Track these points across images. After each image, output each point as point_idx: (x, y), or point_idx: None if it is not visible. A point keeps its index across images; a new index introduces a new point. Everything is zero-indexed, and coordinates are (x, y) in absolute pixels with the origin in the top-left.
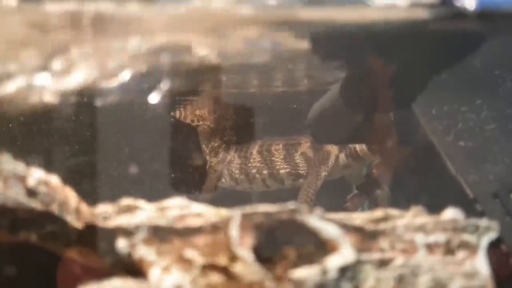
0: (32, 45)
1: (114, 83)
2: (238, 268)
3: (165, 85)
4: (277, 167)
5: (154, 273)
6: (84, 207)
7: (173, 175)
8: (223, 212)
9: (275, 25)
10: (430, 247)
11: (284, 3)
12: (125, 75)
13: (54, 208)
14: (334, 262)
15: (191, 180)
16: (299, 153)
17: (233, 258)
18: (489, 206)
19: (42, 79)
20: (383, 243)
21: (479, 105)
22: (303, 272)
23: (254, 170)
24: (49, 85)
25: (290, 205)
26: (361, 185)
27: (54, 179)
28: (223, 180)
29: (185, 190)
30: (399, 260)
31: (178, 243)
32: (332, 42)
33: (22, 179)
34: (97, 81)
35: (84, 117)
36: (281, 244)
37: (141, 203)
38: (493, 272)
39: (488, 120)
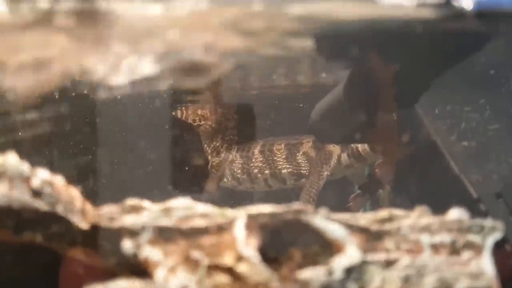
0: None
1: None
2: (244, 269)
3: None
4: (279, 167)
5: (160, 273)
6: (89, 207)
7: (175, 175)
8: (229, 212)
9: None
10: (435, 247)
11: None
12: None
13: (59, 209)
14: (340, 262)
15: (193, 180)
16: (301, 152)
17: (239, 258)
18: (493, 205)
19: None
20: (389, 243)
21: (482, 105)
22: (309, 273)
23: (256, 170)
24: None
25: (296, 205)
26: (364, 185)
27: (59, 180)
28: (225, 180)
29: (187, 190)
30: (405, 260)
31: (183, 243)
32: (337, 42)
33: (27, 179)
34: None
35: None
36: (286, 244)
37: (146, 203)
38: (497, 272)
39: (492, 119)
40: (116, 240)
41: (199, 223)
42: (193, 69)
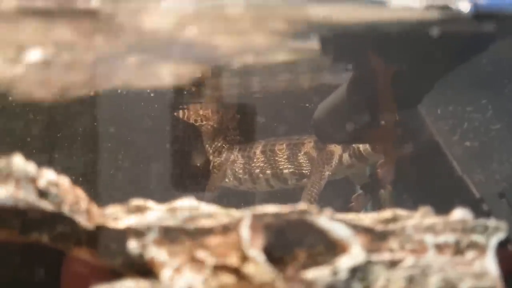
0: None
1: None
2: (249, 269)
3: None
4: (281, 167)
5: (166, 273)
6: (94, 208)
7: (176, 175)
8: (234, 212)
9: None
10: (439, 248)
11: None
12: None
13: (65, 209)
14: (344, 262)
15: (194, 180)
16: (302, 153)
17: (244, 258)
18: (496, 205)
19: None
20: (393, 243)
21: (484, 105)
22: (314, 273)
23: (257, 170)
24: None
25: (300, 205)
26: (366, 184)
27: (65, 180)
28: (227, 180)
29: (188, 190)
30: (409, 260)
31: (189, 243)
32: (343, 43)
33: (33, 180)
34: None
35: None
36: (291, 244)
37: (151, 203)
38: (501, 271)
39: (494, 119)
40: (121, 241)
41: (204, 223)
42: None
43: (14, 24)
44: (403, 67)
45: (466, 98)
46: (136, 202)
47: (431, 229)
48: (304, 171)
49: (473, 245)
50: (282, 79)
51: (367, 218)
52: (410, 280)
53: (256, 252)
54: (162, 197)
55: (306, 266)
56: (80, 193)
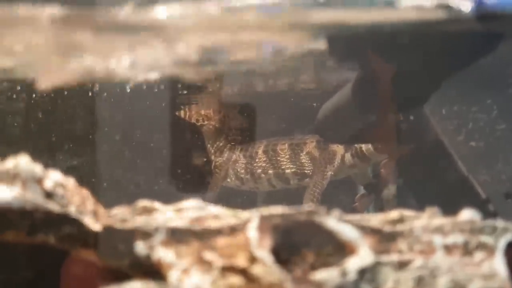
0: None
1: None
2: (257, 270)
3: None
4: (283, 167)
5: (173, 275)
6: (101, 209)
7: (178, 175)
8: (241, 213)
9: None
10: (448, 249)
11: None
12: None
13: (72, 210)
14: (353, 264)
15: (196, 180)
16: (304, 152)
17: (252, 259)
18: (502, 206)
19: None
20: (402, 244)
21: (489, 105)
22: (323, 274)
23: (259, 170)
24: None
25: (308, 206)
26: (370, 184)
27: (71, 181)
28: (229, 179)
29: (189, 190)
30: (418, 261)
31: (196, 245)
32: (350, 44)
33: (39, 181)
34: None
35: None
36: (299, 245)
37: (158, 204)
38: (510, 272)
39: (499, 120)
40: (128, 242)
41: (212, 224)
42: None
43: None
44: (410, 67)
45: (471, 98)
46: (143, 203)
47: (439, 230)
48: (306, 171)
49: (481, 246)
50: (284, 79)
51: (374, 219)
52: (419, 281)
53: (264, 253)
54: (162, 198)
55: (314, 267)
56: (86, 194)
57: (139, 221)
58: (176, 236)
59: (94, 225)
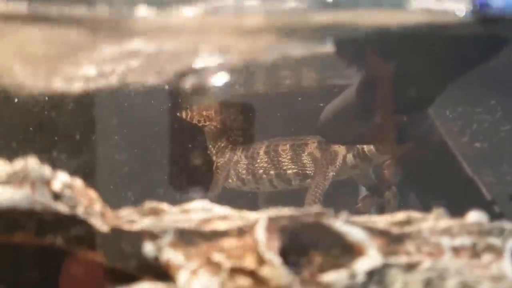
0: None
1: None
2: (265, 272)
3: None
4: (284, 168)
5: (182, 276)
6: (108, 210)
7: (179, 176)
8: (248, 215)
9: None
10: (456, 250)
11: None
12: None
13: (80, 212)
14: (362, 265)
15: (197, 181)
16: (306, 153)
17: (261, 261)
18: (507, 207)
19: None
20: (410, 246)
21: (493, 106)
22: (332, 276)
23: (261, 171)
24: None
25: (315, 208)
26: (373, 186)
27: (79, 183)
28: (230, 180)
29: (191, 191)
30: (426, 263)
31: (205, 246)
32: (357, 46)
33: (48, 182)
34: None
35: None
36: (307, 247)
37: (165, 205)
38: None
39: (503, 120)
40: (136, 243)
41: (219, 225)
42: None
43: None
44: (415, 69)
45: (475, 99)
46: (151, 204)
47: (447, 231)
48: (307, 172)
49: (489, 248)
50: (287, 79)
51: (381, 221)
52: (428, 283)
53: (272, 255)
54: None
55: (322, 269)
56: (94, 195)
57: (146, 223)
58: (184, 237)
59: (102, 227)
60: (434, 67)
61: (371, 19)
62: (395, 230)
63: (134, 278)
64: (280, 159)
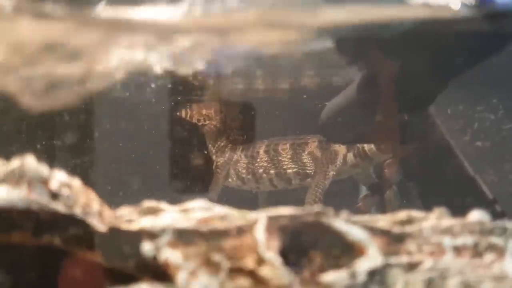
0: None
1: None
2: (265, 272)
3: None
4: (284, 167)
5: (181, 276)
6: (106, 209)
7: (178, 176)
8: (248, 214)
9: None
10: (457, 250)
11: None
12: None
13: (77, 211)
14: (363, 265)
15: (197, 180)
16: (306, 152)
17: (260, 261)
18: (509, 206)
19: None
20: (411, 246)
21: (495, 105)
22: (332, 276)
23: (261, 170)
24: None
25: (315, 207)
26: (374, 185)
27: (76, 182)
28: (230, 179)
29: (191, 190)
30: (428, 263)
31: (204, 246)
32: (359, 44)
33: (45, 182)
34: None
35: None
36: (307, 247)
37: (164, 205)
38: None
39: (505, 119)
40: (135, 243)
41: (219, 225)
42: None
43: None
44: (417, 67)
45: (477, 98)
46: (149, 203)
47: (448, 231)
48: (308, 171)
49: (491, 248)
50: (286, 78)
51: (382, 220)
52: (429, 283)
53: (272, 255)
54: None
55: (322, 269)
56: (92, 194)
57: (145, 222)
58: (183, 237)
59: (100, 226)
60: (436, 64)
61: (370, 15)
62: (396, 230)
63: (133, 278)
64: (280, 158)
